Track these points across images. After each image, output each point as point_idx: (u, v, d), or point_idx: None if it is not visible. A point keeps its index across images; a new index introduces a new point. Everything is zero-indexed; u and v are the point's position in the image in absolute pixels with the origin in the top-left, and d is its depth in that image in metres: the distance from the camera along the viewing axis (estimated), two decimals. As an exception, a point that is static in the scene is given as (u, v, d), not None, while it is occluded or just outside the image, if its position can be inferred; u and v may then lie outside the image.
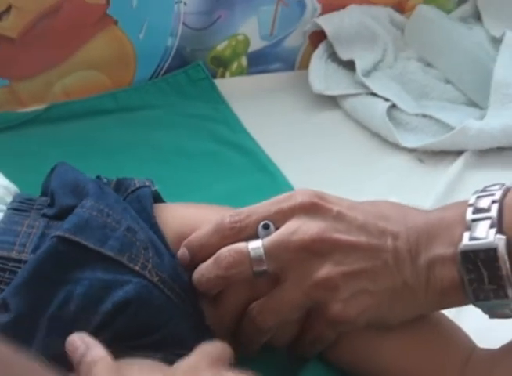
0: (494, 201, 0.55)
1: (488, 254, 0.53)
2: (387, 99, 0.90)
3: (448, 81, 0.95)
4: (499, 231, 0.53)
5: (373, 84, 0.92)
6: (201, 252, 0.58)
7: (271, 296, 0.57)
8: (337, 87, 0.94)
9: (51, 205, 0.58)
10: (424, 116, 0.90)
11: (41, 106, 0.88)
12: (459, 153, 0.86)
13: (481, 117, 0.87)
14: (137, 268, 0.54)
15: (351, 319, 0.56)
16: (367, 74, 0.94)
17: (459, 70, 0.95)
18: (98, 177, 0.62)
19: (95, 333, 0.50)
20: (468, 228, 0.54)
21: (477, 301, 0.54)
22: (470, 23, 1.01)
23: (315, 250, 0.56)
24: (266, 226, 0.57)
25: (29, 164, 0.74)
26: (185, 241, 0.58)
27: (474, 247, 0.53)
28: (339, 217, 0.57)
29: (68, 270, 0.53)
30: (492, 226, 0.53)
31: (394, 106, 0.90)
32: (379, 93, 0.91)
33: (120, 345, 0.50)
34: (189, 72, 0.95)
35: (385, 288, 0.56)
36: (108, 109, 0.90)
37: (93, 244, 0.54)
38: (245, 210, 0.58)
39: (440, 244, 0.55)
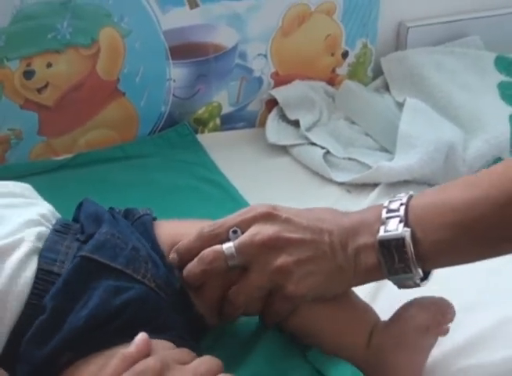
0: (402, 204, 0.57)
1: (398, 242, 0.56)
2: (323, 148, 0.93)
3: (367, 134, 0.97)
4: (406, 225, 0.56)
5: (313, 136, 0.95)
6: (187, 255, 0.60)
7: (243, 281, 0.59)
8: (287, 139, 0.96)
9: (82, 232, 0.60)
10: (350, 159, 0.93)
11: (69, 156, 0.92)
12: (376, 185, 0.88)
13: (391, 159, 0.90)
14: (139, 277, 0.56)
15: (302, 294, 0.58)
16: (308, 129, 0.97)
17: (375, 126, 0.97)
18: (111, 208, 0.64)
19: (108, 323, 0.53)
20: (383, 223, 0.57)
21: (390, 275, 0.57)
22: (382, 92, 1.03)
23: (272, 246, 0.58)
24: (235, 232, 0.59)
25: (60, 196, 0.71)
26: (175, 248, 0.61)
27: (388, 237, 0.56)
28: (288, 221, 0.59)
29: (89, 280, 0.55)
30: (400, 222, 0.56)
31: (328, 152, 0.93)
32: (317, 143, 0.94)
33: (130, 332, 0.53)
34: (178, 130, 0.97)
35: (325, 270, 0.58)
36: (118, 157, 0.92)
37: (107, 260, 0.56)
38: (218, 221, 0.61)
39: (363, 236, 0.58)
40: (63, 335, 0.53)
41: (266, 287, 0.59)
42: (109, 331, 0.53)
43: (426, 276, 0.58)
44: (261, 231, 0.59)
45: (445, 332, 0.58)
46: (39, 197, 0.64)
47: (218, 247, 0.59)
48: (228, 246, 0.59)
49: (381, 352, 0.59)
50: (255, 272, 0.59)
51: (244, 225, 0.60)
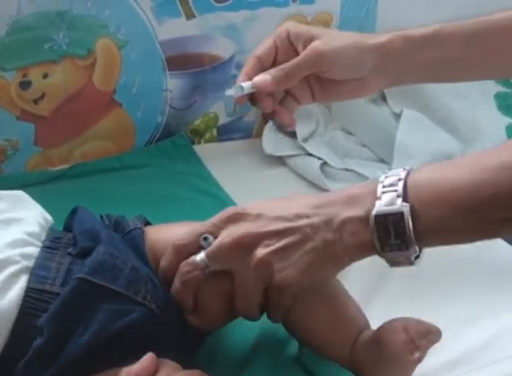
0: (399, 179, 0.54)
1: (395, 217, 0.52)
2: (320, 158, 0.93)
3: (363, 145, 0.97)
4: (404, 200, 0.52)
5: (310, 147, 0.95)
6: (169, 273, 0.59)
7: (235, 288, 0.58)
8: (283, 150, 0.96)
9: (74, 245, 0.58)
10: (347, 170, 0.93)
11: (65, 166, 0.92)
12: (372, 195, 0.89)
13: (388, 170, 0.87)
14: (139, 299, 0.55)
15: (292, 281, 0.56)
16: (305, 140, 0.97)
17: (372, 136, 0.97)
18: (101, 216, 0.63)
19: (109, 347, 0.53)
20: (379, 198, 0.53)
21: (383, 252, 0.54)
22: (379, 103, 1.01)
23: (245, 244, 0.56)
24: (205, 238, 0.58)
25: (56, 207, 0.68)
26: (159, 268, 0.59)
27: (386, 211, 0.53)
28: (258, 217, 0.57)
29: (88, 303, 0.54)
30: (398, 197, 0.53)
31: (325, 163, 0.93)
32: (314, 154, 0.94)
33: (131, 355, 0.52)
34: (175, 140, 0.97)
35: (309, 250, 0.56)
36: (115, 168, 0.92)
37: (106, 282, 0.55)
38: (189, 230, 0.59)
39: (349, 210, 0.55)
40: (63, 361, 0.52)
41: (261, 288, 0.57)
42: (111, 355, 0.53)
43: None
44: (231, 232, 0.57)
45: (414, 360, 0.56)
46: (31, 204, 0.62)
47: (192, 258, 0.58)
48: (201, 256, 0.57)
49: (360, 366, 0.58)
50: (239, 274, 0.57)
51: (214, 230, 0.58)
